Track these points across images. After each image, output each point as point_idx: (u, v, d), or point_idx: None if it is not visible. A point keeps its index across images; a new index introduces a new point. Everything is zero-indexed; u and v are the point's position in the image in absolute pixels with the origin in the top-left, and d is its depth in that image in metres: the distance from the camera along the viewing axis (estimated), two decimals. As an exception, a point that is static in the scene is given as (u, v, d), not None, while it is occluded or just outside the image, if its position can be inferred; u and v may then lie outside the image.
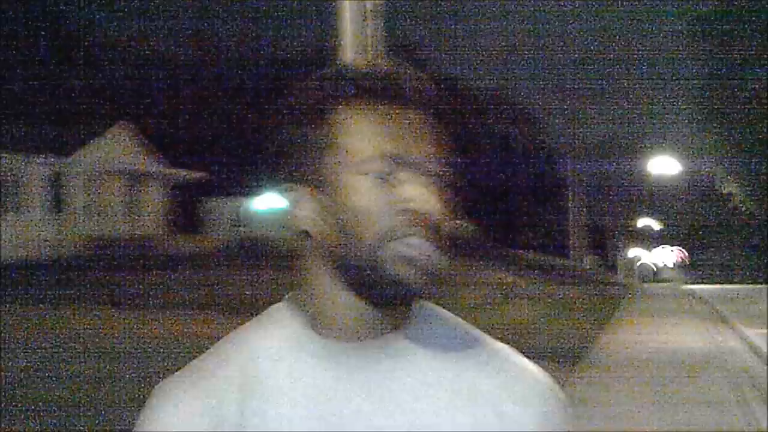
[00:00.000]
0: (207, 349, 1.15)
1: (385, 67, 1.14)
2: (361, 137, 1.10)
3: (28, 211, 28.64)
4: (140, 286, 18.27)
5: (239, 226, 44.49)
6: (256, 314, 1.14)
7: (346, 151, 1.10)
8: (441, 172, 1.12)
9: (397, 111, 1.11)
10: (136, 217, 34.36)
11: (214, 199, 44.75)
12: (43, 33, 41.74)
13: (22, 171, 28.38)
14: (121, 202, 33.68)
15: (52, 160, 29.41)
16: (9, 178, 27.95)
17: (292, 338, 1.14)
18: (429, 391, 1.13)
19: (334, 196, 1.10)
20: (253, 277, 21.03)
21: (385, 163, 1.09)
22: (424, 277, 1.08)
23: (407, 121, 1.11)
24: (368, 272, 1.08)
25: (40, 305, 14.44)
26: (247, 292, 17.79)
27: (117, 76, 45.21)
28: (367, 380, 1.11)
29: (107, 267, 22.40)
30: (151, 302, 15.62)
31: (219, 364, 1.15)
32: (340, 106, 1.12)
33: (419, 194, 1.08)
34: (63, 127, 30.96)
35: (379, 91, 1.12)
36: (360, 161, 1.09)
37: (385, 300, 1.10)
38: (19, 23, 40.74)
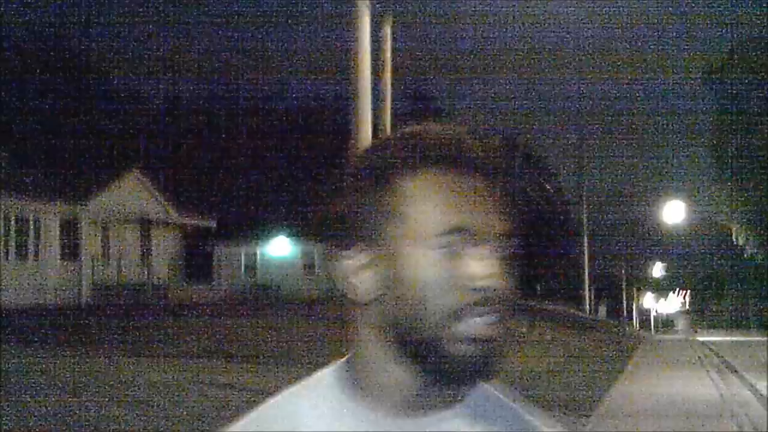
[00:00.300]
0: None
1: (454, 133, 1.10)
2: (430, 208, 1.05)
3: (46, 257, 28.80)
4: (153, 333, 18.38)
5: (253, 272, 44.67)
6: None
7: (414, 222, 1.05)
8: (508, 246, 1.08)
9: (465, 180, 1.07)
10: (150, 265, 34.54)
11: (227, 245, 44.94)
12: (59, 81, 42.33)
13: (40, 217, 28.60)
14: (135, 249, 33.91)
15: (68, 206, 29.65)
16: (24, 224, 28.15)
17: (337, 410, 1.10)
18: None
19: (399, 267, 1.05)
20: (266, 325, 21.17)
21: (454, 236, 1.04)
22: (490, 356, 1.04)
23: (476, 191, 1.07)
24: (432, 349, 1.04)
25: (55, 349, 14.59)
26: (260, 340, 17.94)
27: (131, 125, 45.75)
28: None
29: (121, 314, 22.54)
30: (163, 350, 15.72)
31: (263, 430, 1.11)
32: (408, 173, 1.08)
33: (489, 271, 1.04)
34: (78, 175, 31.37)
35: (448, 159, 1.07)
36: (428, 233, 1.04)
37: (448, 379, 1.05)
38: (36, 71, 41.34)
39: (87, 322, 20.32)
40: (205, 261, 43.83)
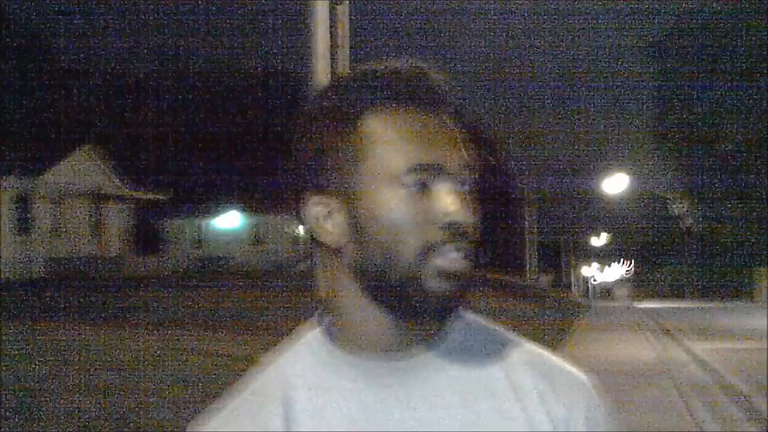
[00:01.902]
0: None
1: (413, 69, 1.08)
2: (395, 146, 1.04)
3: (-2, 232, 28.91)
4: (117, 305, 18.69)
5: (201, 245, 44.83)
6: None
7: (380, 161, 1.04)
8: (471, 180, 1.09)
9: (427, 115, 1.06)
10: (102, 238, 34.68)
11: (176, 219, 45.03)
12: (9, 56, 41.97)
13: (-9, 192, 28.72)
14: (87, 223, 34.04)
15: (19, 181, 29.84)
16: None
17: (328, 363, 1.10)
18: (477, 399, 1.09)
19: (369, 209, 1.04)
20: (224, 295, 21.65)
21: (419, 173, 1.03)
22: (462, 288, 1.05)
23: (436, 127, 1.06)
24: (407, 287, 1.03)
25: (26, 321, 14.81)
26: (222, 310, 18.40)
27: (82, 99, 45.50)
28: (413, 398, 1.07)
29: (78, 286, 22.77)
30: (132, 320, 16.04)
31: (256, 400, 1.10)
32: (370, 113, 1.06)
33: (457, 205, 1.04)
34: (29, 150, 31.36)
35: (409, 95, 1.07)
36: (395, 172, 1.04)
37: (424, 314, 1.05)
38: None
39: (48, 294, 20.49)
40: (156, 234, 43.96)
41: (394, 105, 1.06)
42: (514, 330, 1.18)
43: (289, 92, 51.90)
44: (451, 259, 1.04)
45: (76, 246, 32.52)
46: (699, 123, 48.52)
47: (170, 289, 23.27)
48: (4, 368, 9.12)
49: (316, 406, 1.08)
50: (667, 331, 25.30)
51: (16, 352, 10.79)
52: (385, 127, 1.05)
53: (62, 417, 7.31)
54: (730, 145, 46.16)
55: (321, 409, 1.07)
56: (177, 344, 12.54)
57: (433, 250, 1.03)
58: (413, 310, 1.05)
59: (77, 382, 8.84)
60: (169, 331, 14.51)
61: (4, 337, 12.02)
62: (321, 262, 1.12)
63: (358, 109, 1.06)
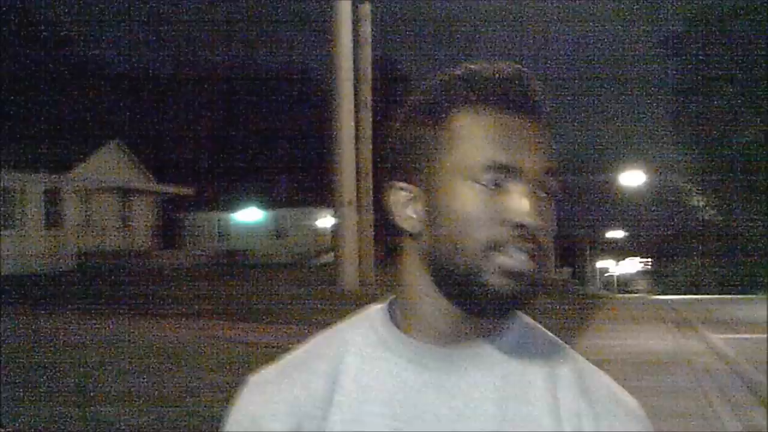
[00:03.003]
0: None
1: (505, 72, 1.11)
2: (476, 144, 1.08)
3: (27, 226, 29.46)
4: (149, 296, 19.13)
5: (225, 238, 45.25)
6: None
7: (462, 156, 1.08)
8: (550, 186, 1.10)
9: (513, 118, 1.09)
10: (130, 232, 35.18)
11: (199, 213, 45.45)
12: (40, 54, 42.49)
13: (21, 188, 29.23)
14: (115, 217, 34.57)
15: (49, 177, 30.38)
16: (8, 194, 28.82)
17: (383, 338, 1.14)
18: (512, 403, 1.10)
19: (444, 200, 1.08)
20: (251, 287, 22.06)
21: (497, 172, 1.06)
22: (524, 290, 1.07)
23: (523, 130, 1.09)
24: (469, 281, 1.06)
25: (37, 313, 15.07)
26: (251, 301, 18.75)
27: (110, 97, 46.02)
28: (453, 386, 1.10)
29: (110, 279, 23.19)
30: (166, 311, 16.34)
31: (310, 358, 1.16)
32: (461, 110, 1.10)
33: (527, 207, 1.06)
34: (59, 146, 31.92)
35: (498, 97, 1.09)
36: (472, 168, 1.07)
37: (483, 310, 1.08)
38: (17, 45, 41.49)
39: (82, 286, 20.90)
40: (181, 227, 44.43)
41: (484, 105, 1.09)
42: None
43: (310, 90, 52.32)
44: (515, 258, 1.06)
45: (104, 240, 33.04)
46: (717, 117, 48.35)
47: (197, 281, 23.64)
48: (59, 356, 9.62)
49: (361, 375, 1.12)
50: (685, 322, 25.55)
51: (63, 341, 11.25)
52: (472, 124, 1.09)
53: (119, 397, 7.80)
54: (748, 138, 46.11)
55: (365, 378, 1.11)
56: (212, 333, 12.94)
57: (499, 248, 1.06)
58: (474, 304, 1.08)
59: (128, 368, 9.30)
60: (203, 322, 14.89)
61: (50, 327, 12.47)
62: (396, 247, 1.17)
63: (451, 105, 1.11)
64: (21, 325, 12.83)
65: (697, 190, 51.61)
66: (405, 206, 1.13)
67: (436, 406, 1.08)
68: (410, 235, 1.13)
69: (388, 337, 1.14)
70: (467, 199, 1.06)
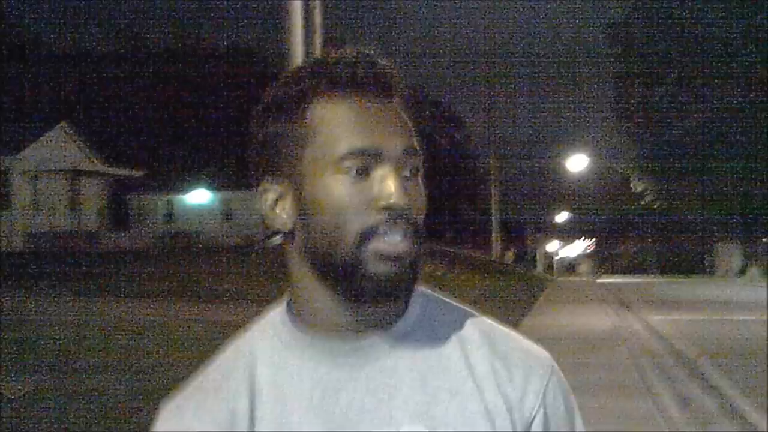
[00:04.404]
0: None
1: (354, 57, 1.09)
2: (333, 133, 1.06)
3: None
4: (105, 277, 19.20)
5: (172, 220, 45.17)
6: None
7: (320, 148, 1.06)
8: (412, 165, 1.09)
9: (367, 103, 1.08)
10: (79, 213, 35.07)
11: (148, 195, 45.31)
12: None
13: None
14: (64, 198, 34.49)
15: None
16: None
17: (288, 343, 1.12)
18: (430, 377, 1.10)
19: (311, 194, 1.07)
20: (203, 269, 22.27)
21: (357, 158, 1.05)
22: (404, 271, 1.06)
23: (378, 113, 1.07)
24: (349, 272, 1.05)
25: (19, 292, 15.12)
26: (206, 282, 19.00)
27: (58, 79, 45.60)
28: (368, 376, 1.09)
29: (62, 260, 23.17)
30: (124, 291, 16.53)
31: (223, 378, 1.13)
32: (314, 101, 1.08)
33: (392, 189, 1.05)
34: (7, 127, 31.81)
35: (349, 82, 1.08)
36: (332, 158, 1.05)
37: (369, 298, 1.07)
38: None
39: (34, 268, 20.95)
40: (129, 209, 44.27)
41: (339, 92, 1.08)
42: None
43: (259, 71, 52.32)
44: (389, 241, 1.05)
45: (54, 221, 32.96)
46: (659, 102, 49.19)
47: (149, 262, 23.73)
48: (24, 333, 9.85)
49: (277, 383, 1.10)
50: (626, 303, 26.26)
51: (24, 320, 11.34)
52: (328, 113, 1.07)
53: (90, 373, 8.13)
54: (690, 123, 47.07)
55: (281, 387, 1.10)
56: (173, 314, 13.20)
57: (372, 234, 1.05)
58: (359, 293, 1.07)
59: (97, 344, 9.58)
60: (161, 302, 15.09)
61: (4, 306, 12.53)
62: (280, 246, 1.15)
63: (306, 97, 1.08)
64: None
65: (639, 175, 52.49)
66: (273, 206, 1.12)
67: (358, 398, 1.08)
68: (286, 232, 1.12)
69: (292, 341, 1.12)
70: (333, 190, 1.05)
